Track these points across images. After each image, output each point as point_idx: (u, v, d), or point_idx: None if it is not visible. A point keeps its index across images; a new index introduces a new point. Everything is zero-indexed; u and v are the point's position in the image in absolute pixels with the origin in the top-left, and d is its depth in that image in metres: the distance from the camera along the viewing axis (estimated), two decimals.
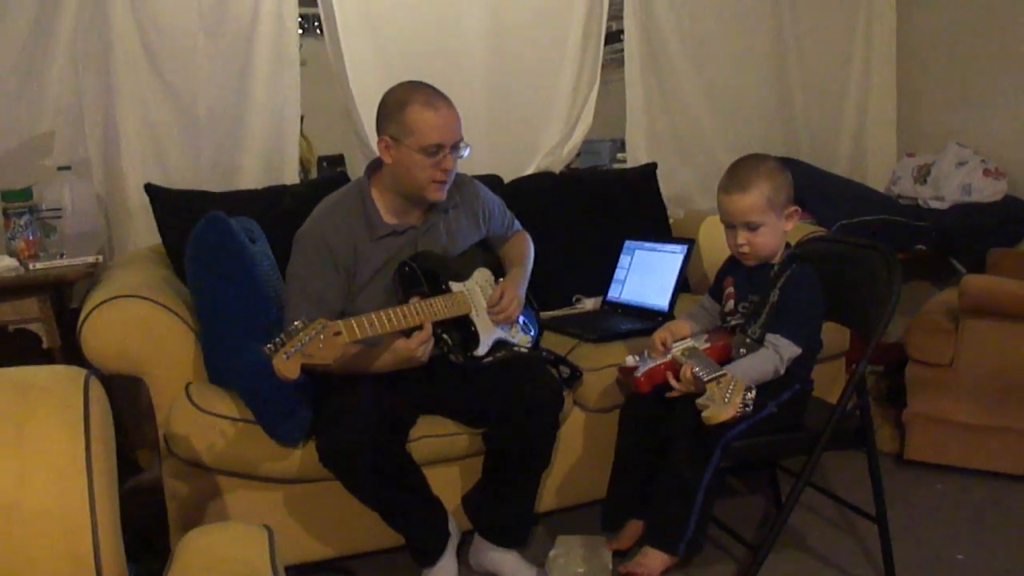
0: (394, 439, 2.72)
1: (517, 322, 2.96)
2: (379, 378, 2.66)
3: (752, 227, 2.64)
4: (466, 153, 2.77)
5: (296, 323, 2.30)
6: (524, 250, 3.13)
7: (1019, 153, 4.42)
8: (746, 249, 2.68)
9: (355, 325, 2.42)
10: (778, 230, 2.65)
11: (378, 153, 2.74)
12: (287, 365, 2.24)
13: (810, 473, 2.65)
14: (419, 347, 2.57)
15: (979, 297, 3.41)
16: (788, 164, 4.34)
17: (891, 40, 4.99)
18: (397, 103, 2.69)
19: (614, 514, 2.95)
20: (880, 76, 5.01)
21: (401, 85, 2.75)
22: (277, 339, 2.25)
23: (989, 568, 2.91)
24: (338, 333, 2.35)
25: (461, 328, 2.81)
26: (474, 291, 2.88)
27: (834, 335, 3.29)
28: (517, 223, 3.24)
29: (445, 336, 2.76)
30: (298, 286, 2.74)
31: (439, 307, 2.69)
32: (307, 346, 2.26)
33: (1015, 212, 4.33)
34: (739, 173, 2.66)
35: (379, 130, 2.74)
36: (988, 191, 4.34)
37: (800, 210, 2.65)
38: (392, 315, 2.52)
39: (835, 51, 4.92)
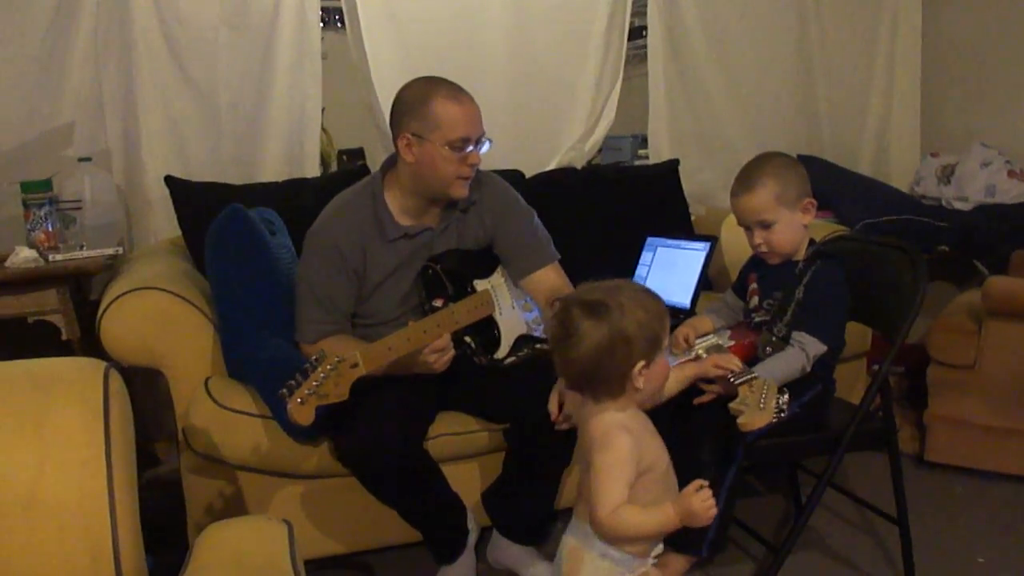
0: (415, 439, 2.70)
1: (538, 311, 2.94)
2: (400, 375, 2.60)
3: (765, 225, 2.62)
4: (485, 148, 2.72)
5: (313, 357, 2.26)
6: None
7: None
8: (764, 248, 2.67)
9: (373, 354, 2.36)
10: (794, 224, 2.63)
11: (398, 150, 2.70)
12: (301, 411, 2.20)
13: (832, 473, 2.63)
14: (433, 356, 2.50)
15: (1003, 299, 3.39)
16: (810, 162, 4.37)
17: (916, 39, 4.95)
18: (418, 98, 2.63)
19: None
20: (904, 75, 4.97)
21: (417, 81, 2.70)
22: (292, 380, 2.21)
23: (1010, 571, 2.90)
24: (355, 365, 2.29)
25: (484, 329, 2.78)
26: (499, 286, 2.85)
27: (855, 335, 3.27)
28: (552, 247, 2.99)
29: (468, 339, 2.74)
30: (307, 288, 2.73)
31: (461, 315, 2.61)
32: (322, 386, 2.22)
33: None
34: (744, 175, 2.66)
35: (399, 128, 2.67)
36: (1013, 192, 4.31)
37: (815, 202, 2.62)
38: (411, 335, 2.43)
39: (860, 50, 4.89)
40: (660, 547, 2.12)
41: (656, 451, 2.06)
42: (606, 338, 1.93)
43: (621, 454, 1.95)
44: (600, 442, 1.97)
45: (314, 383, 2.21)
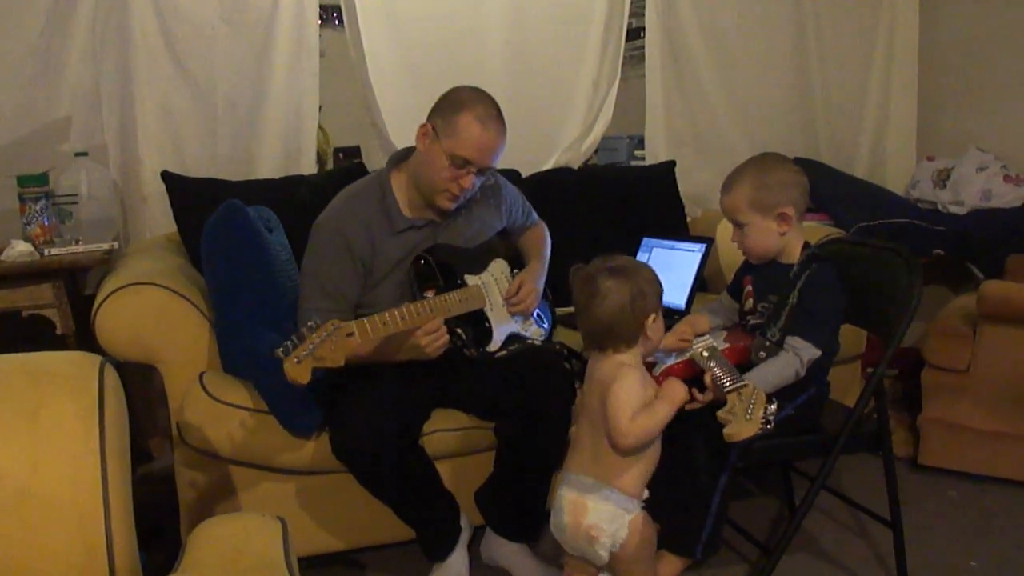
0: (411, 434, 2.71)
1: (531, 315, 2.95)
2: (395, 371, 2.62)
3: (739, 225, 2.66)
4: (478, 181, 2.74)
5: (309, 323, 2.27)
6: (542, 242, 3.13)
7: None
8: (739, 247, 2.72)
9: (368, 325, 2.39)
10: (765, 230, 2.62)
11: (397, 146, 2.71)
12: (298, 370, 2.21)
13: (826, 476, 2.64)
14: (426, 339, 2.53)
15: (998, 303, 3.39)
16: (807, 165, 4.35)
17: (913, 43, 4.95)
18: (456, 103, 2.67)
19: None
20: (901, 79, 4.97)
21: (470, 89, 2.73)
22: (289, 342, 2.22)
23: (1002, 575, 2.90)
24: (350, 334, 2.33)
25: (475, 323, 2.80)
26: (489, 284, 2.87)
27: (850, 337, 3.27)
28: (535, 214, 3.22)
29: (459, 330, 2.75)
30: (313, 278, 2.73)
31: (453, 303, 2.67)
32: (318, 349, 2.24)
33: None
34: (730, 174, 2.68)
35: (429, 115, 2.72)
36: (1008, 197, 4.31)
37: (790, 214, 2.61)
38: (405, 313, 2.48)
39: (857, 52, 4.89)
40: (647, 492, 2.40)
41: (654, 390, 2.42)
42: (627, 294, 2.33)
43: (631, 380, 2.33)
44: (610, 376, 2.34)
45: (311, 345, 2.23)
